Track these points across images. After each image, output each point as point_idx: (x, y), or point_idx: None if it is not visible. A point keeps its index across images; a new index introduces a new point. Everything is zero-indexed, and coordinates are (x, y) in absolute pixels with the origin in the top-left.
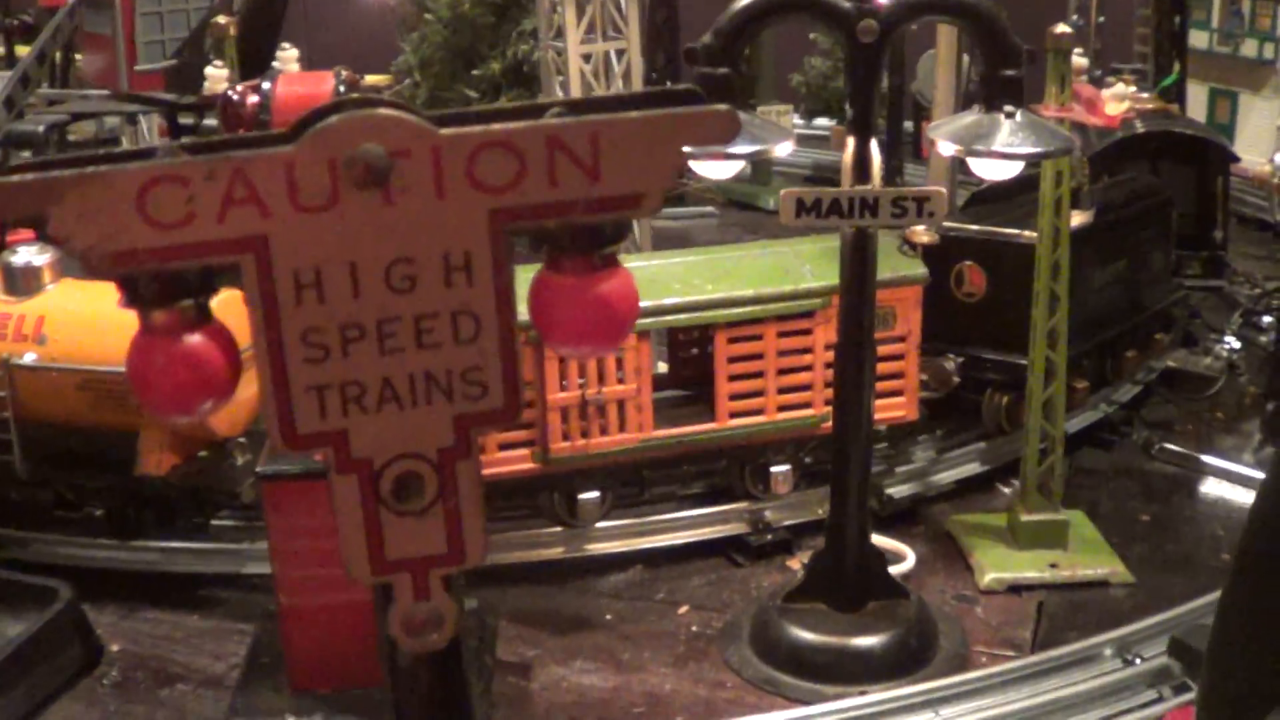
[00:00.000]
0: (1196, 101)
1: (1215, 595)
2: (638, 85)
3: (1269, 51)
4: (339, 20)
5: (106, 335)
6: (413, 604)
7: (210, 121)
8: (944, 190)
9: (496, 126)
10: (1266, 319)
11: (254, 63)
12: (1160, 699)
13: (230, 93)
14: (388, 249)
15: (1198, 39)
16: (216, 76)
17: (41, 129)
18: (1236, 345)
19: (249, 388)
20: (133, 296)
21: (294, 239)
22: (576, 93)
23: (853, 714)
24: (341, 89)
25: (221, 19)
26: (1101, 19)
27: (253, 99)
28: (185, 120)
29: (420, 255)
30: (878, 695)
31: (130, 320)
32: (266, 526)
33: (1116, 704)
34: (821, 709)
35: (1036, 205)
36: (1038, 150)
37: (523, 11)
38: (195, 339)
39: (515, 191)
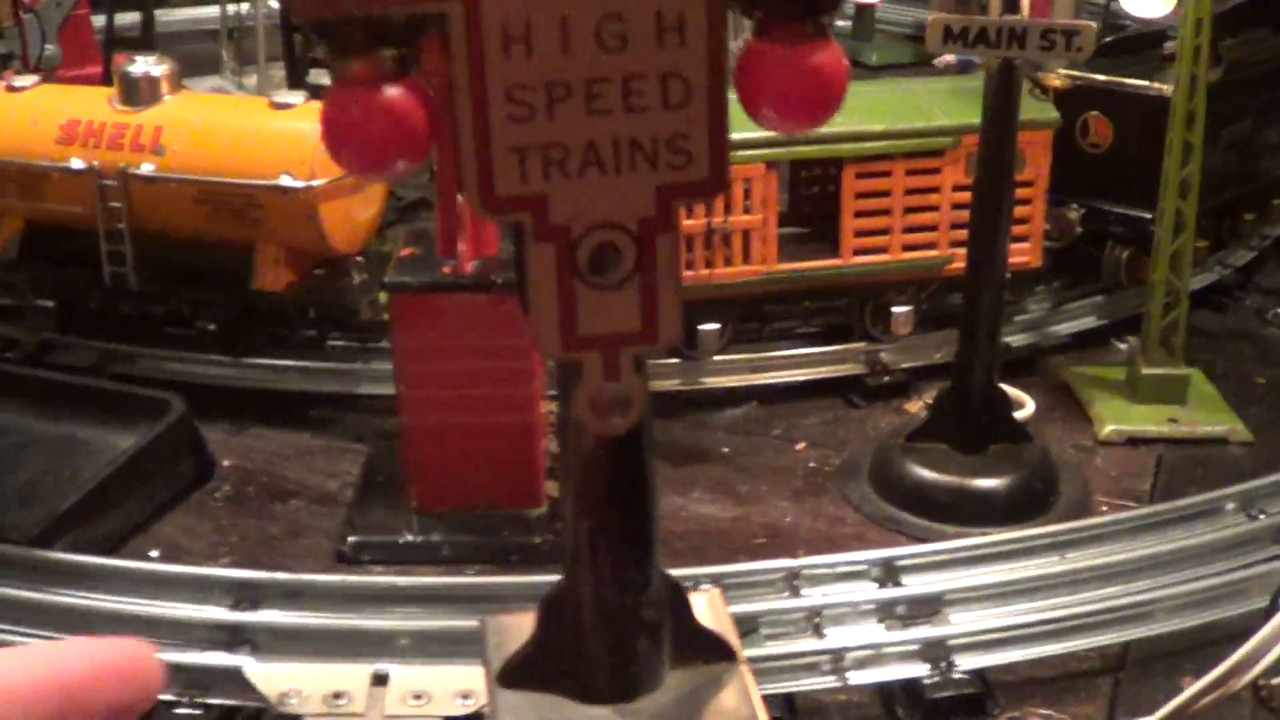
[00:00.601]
0: None
1: None
2: None
3: None
4: None
5: (225, 147)
6: (601, 384)
7: None
8: (1094, 26)
9: None
10: None
11: None
12: None
13: None
14: (600, 3)
15: None
16: None
17: None
18: None
19: (368, 209)
20: (333, 44)
21: None
22: None
23: (980, 552)
24: None
25: None
26: None
27: None
28: None
29: (633, 12)
30: (1003, 535)
31: (248, 131)
32: (391, 344)
33: (1239, 557)
34: (949, 545)
35: (1158, 61)
36: None
37: None
38: (396, 91)
39: None
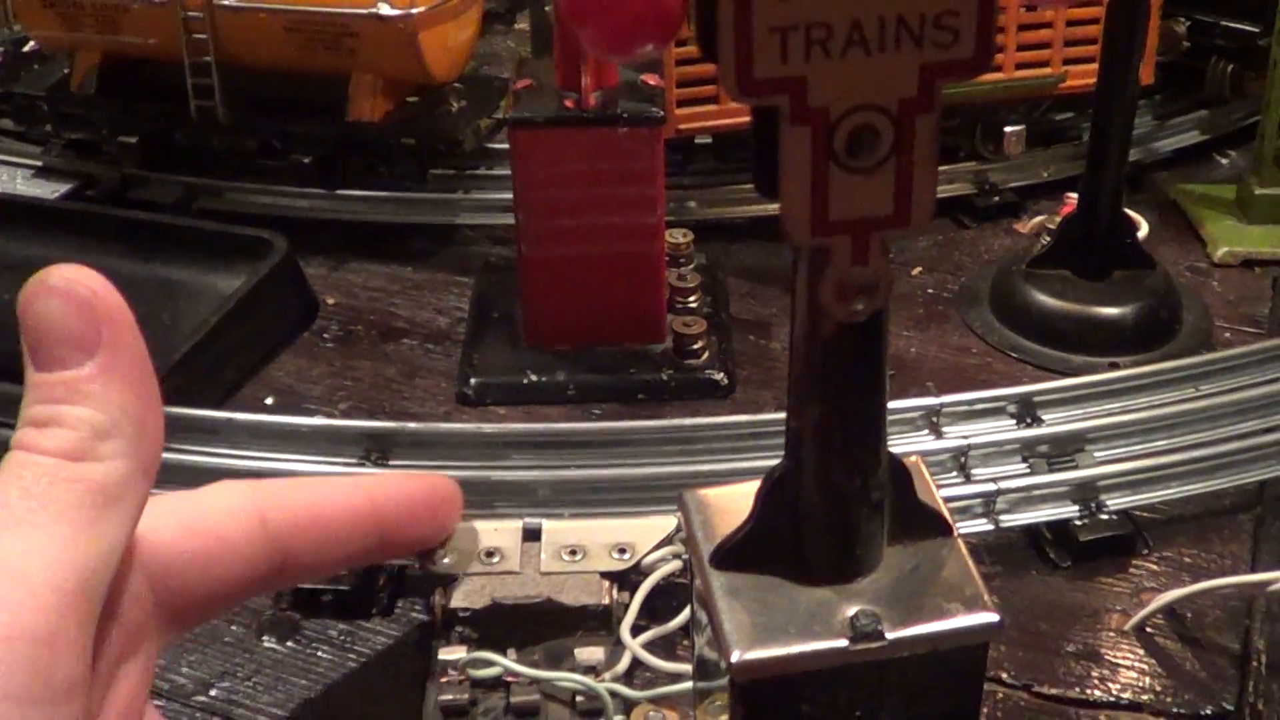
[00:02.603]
0: None
1: None
2: None
3: None
4: None
5: None
6: (849, 268)
7: None
8: None
9: None
10: None
11: None
12: None
13: None
14: None
15: None
16: None
17: None
18: None
19: (465, 31)
20: None
21: None
22: None
23: (1114, 387)
24: None
25: None
26: None
27: None
28: None
29: None
30: (1135, 370)
31: None
32: (512, 176)
33: None
34: (1084, 380)
35: None
36: None
37: None
38: None
39: None
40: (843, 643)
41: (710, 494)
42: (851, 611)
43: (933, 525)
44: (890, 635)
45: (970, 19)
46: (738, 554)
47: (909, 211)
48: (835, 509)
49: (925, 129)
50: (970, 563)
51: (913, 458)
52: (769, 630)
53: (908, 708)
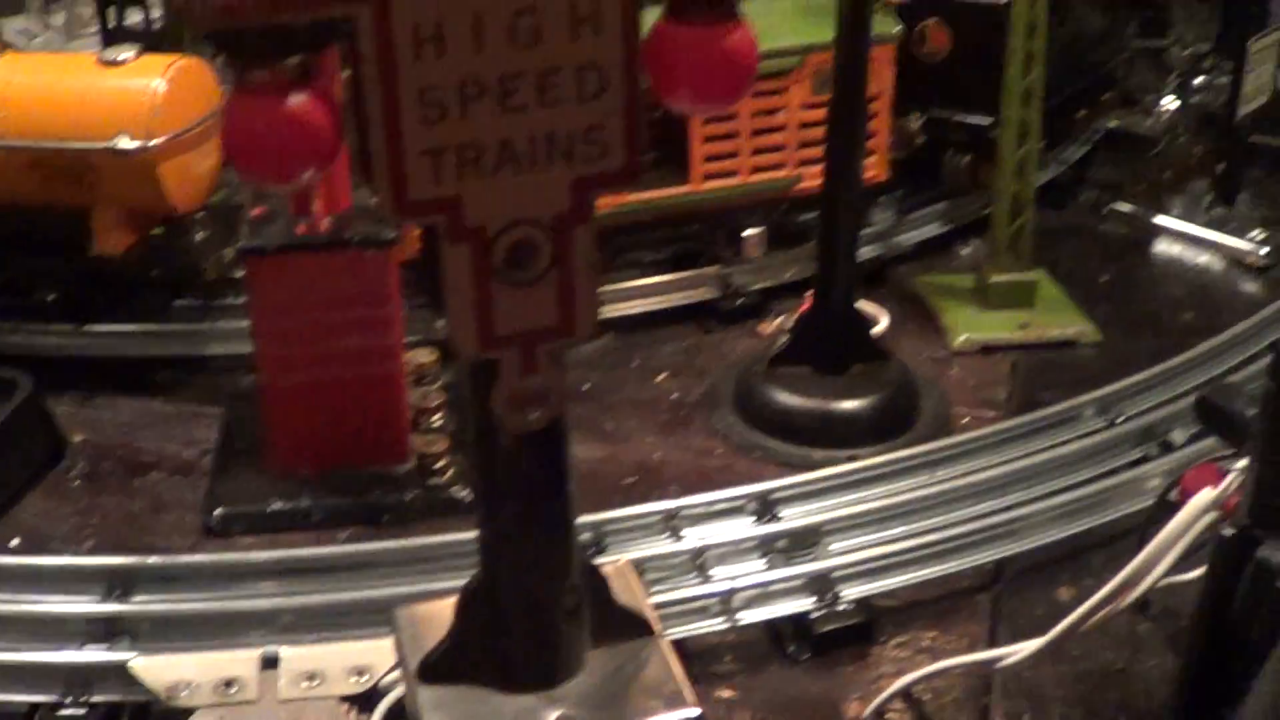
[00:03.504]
0: None
1: (1186, 355)
2: None
3: None
4: None
5: (56, 109)
6: (520, 379)
7: None
8: None
9: None
10: (1200, 79)
11: None
12: (1147, 459)
13: None
14: None
15: None
16: None
17: None
18: (1175, 106)
19: (207, 161)
20: (235, 54)
21: None
22: None
23: (851, 478)
24: None
25: None
26: None
27: None
28: None
29: (546, 5)
30: (873, 460)
31: (79, 92)
32: (248, 306)
33: (1103, 464)
34: (821, 474)
35: None
36: None
37: None
38: (301, 99)
39: None
40: None
41: (421, 609)
42: (553, 716)
43: (635, 627)
44: None
45: (618, 132)
46: (443, 667)
47: (574, 321)
48: (531, 617)
49: (582, 240)
50: (673, 661)
51: (621, 561)
52: None
53: None
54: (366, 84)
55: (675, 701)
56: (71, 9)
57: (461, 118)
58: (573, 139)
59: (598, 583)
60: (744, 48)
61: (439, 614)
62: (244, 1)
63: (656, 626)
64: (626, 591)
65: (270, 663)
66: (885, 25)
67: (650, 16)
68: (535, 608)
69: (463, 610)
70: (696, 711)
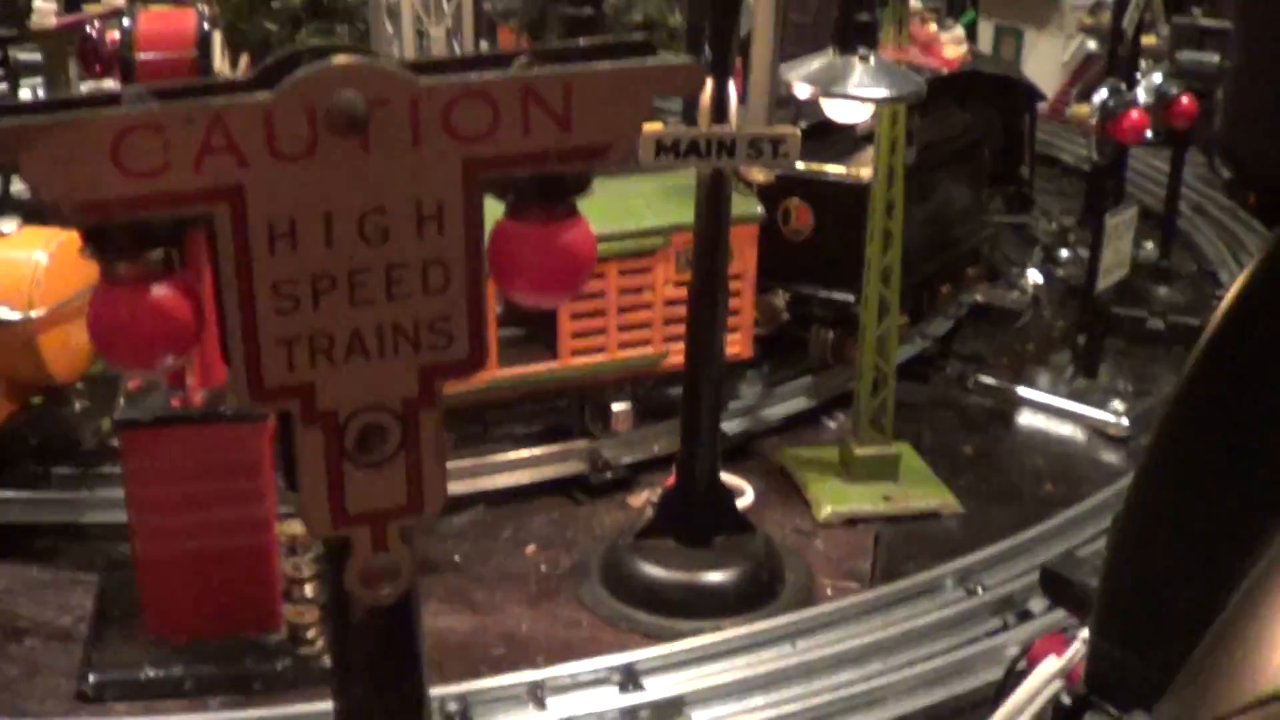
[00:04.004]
0: (984, 38)
1: (1045, 525)
2: (469, 24)
3: None
4: None
5: None
6: (371, 556)
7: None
8: (798, 132)
9: (474, 77)
10: (1065, 253)
11: None
12: (1005, 627)
13: (89, 29)
14: (363, 198)
15: None
16: (44, 9)
17: None
18: (1040, 279)
19: (85, 333)
20: (98, 246)
21: (270, 188)
22: (409, 33)
23: (715, 649)
24: (205, 26)
25: None
26: None
27: (112, 37)
28: None
29: (394, 205)
30: (737, 631)
31: None
32: (123, 474)
33: (963, 633)
34: (684, 645)
35: (850, 142)
36: (891, 93)
37: None
38: (163, 290)
39: (489, 141)
40: None
41: None
42: None
43: None
44: None
45: (462, 323)
46: None
47: (422, 499)
48: None
49: (429, 424)
50: None
51: None
52: None
53: None
54: (223, 277)
55: None
56: None
57: (314, 309)
58: (419, 330)
59: None
60: (581, 244)
61: None
62: (108, 200)
63: None
64: None
65: None
66: (746, 206)
67: (496, 210)
68: None
69: None
70: None
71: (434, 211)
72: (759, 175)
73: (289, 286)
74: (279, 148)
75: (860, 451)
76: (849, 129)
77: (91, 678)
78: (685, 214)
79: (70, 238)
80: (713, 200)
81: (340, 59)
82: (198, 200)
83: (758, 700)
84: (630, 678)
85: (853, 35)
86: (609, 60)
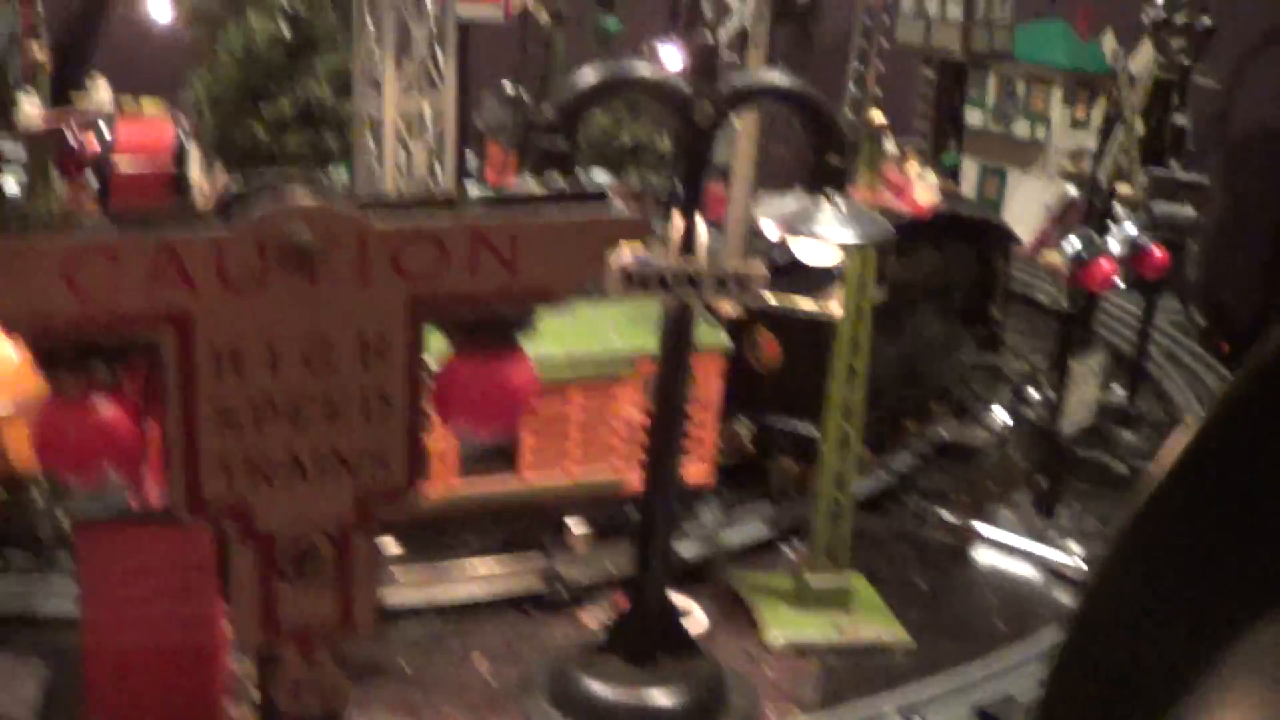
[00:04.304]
0: (968, 177)
1: (988, 661)
2: (450, 141)
3: (1040, 132)
4: (127, 47)
5: None
6: (300, 671)
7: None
8: (765, 270)
9: (426, 223)
10: (1033, 394)
11: (61, 91)
12: None
13: (70, 136)
14: (309, 330)
15: (972, 117)
16: (31, 113)
17: None
18: (1007, 419)
19: None
20: (46, 359)
21: (219, 317)
22: (390, 145)
23: None
24: (183, 139)
25: (35, 47)
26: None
27: (92, 145)
28: None
29: (339, 337)
30: None
31: None
32: (77, 572)
33: None
34: None
35: (825, 277)
36: (859, 237)
37: (314, 52)
38: (107, 408)
39: (436, 280)
40: None
41: None
42: None
43: None
44: None
45: (400, 450)
46: None
47: (353, 620)
48: None
49: (363, 546)
50: None
51: None
52: None
53: None
54: (168, 395)
55: None
56: None
57: (255, 432)
58: (358, 455)
59: None
60: (520, 381)
61: None
62: (57, 319)
63: None
64: None
65: None
66: (714, 336)
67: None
68: None
69: None
70: None
71: (378, 343)
72: (728, 308)
73: (232, 410)
74: (229, 279)
75: (814, 581)
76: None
77: None
78: (653, 340)
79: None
80: (676, 331)
81: (296, 198)
82: (146, 324)
83: None
84: None
85: (823, 177)
86: (561, 209)
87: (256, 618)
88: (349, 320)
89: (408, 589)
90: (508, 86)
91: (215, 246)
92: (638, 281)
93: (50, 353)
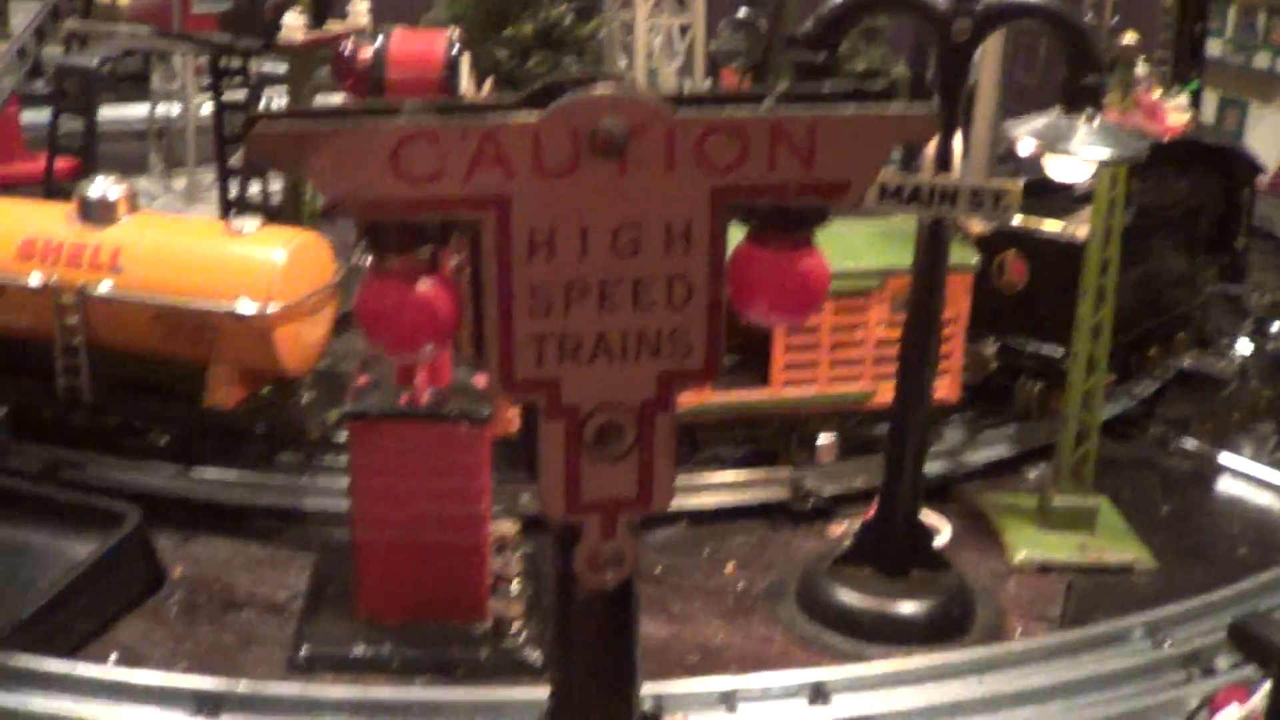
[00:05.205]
0: (1208, 108)
1: (1241, 586)
2: (700, 61)
3: None
4: None
5: (182, 270)
6: (599, 542)
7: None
8: (1019, 187)
9: (727, 112)
10: (1276, 326)
11: (320, 21)
12: (1189, 680)
13: (344, 48)
14: (617, 215)
15: (1212, 48)
16: (294, 26)
17: (94, 62)
18: (1248, 350)
19: (318, 330)
20: (373, 242)
21: (534, 201)
22: (641, 65)
23: (905, 675)
24: (455, 50)
25: None
26: (1115, 18)
27: (365, 54)
28: (228, 64)
29: (645, 223)
30: (927, 660)
31: (205, 255)
32: (349, 466)
33: (1148, 681)
34: (874, 668)
35: (1067, 201)
36: (1114, 155)
37: None
38: (428, 285)
39: (737, 172)
40: None
41: None
42: None
43: None
44: None
45: (701, 336)
46: None
47: (650, 495)
48: None
49: (663, 426)
50: None
51: (682, 715)
52: None
53: None
54: (485, 277)
55: None
56: (193, 176)
57: (564, 312)
58: (660, 338)
59: None
60: (816, 273)
61: None
62: (385, 201)
63: None
64: None
65: None
66: (964, 255)
67: (738, 234)
68: None
69: None
70: None
71: (682, 232)
72: (977, 226)
73: (544, 290)
74: (544, 164)
75: (1059, 501)
76: (1067, 188)
77: (304, 650)
78: (901, 258)
79: (307, 239)
80: (932, 247)
81: (604, 88)
82: (467, 207)
83: None
84: (820, 694)
85: (1079, 96)
86: (852, 105)
87: (562, 490)
88: (655, 207)
89: None
90: (744, 12)
91: (531, 132)
92: (894, 194)
93: (376, 233)
